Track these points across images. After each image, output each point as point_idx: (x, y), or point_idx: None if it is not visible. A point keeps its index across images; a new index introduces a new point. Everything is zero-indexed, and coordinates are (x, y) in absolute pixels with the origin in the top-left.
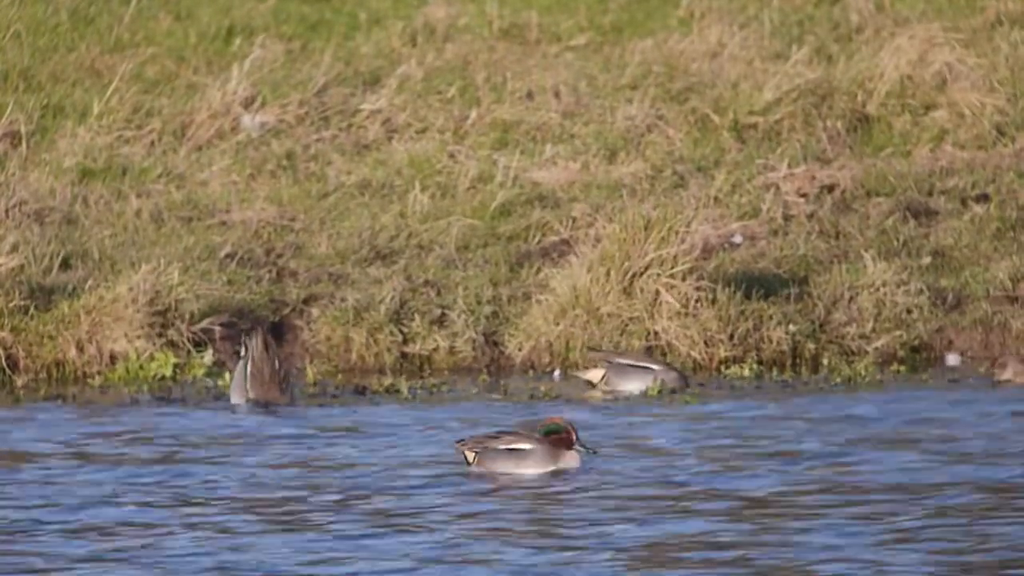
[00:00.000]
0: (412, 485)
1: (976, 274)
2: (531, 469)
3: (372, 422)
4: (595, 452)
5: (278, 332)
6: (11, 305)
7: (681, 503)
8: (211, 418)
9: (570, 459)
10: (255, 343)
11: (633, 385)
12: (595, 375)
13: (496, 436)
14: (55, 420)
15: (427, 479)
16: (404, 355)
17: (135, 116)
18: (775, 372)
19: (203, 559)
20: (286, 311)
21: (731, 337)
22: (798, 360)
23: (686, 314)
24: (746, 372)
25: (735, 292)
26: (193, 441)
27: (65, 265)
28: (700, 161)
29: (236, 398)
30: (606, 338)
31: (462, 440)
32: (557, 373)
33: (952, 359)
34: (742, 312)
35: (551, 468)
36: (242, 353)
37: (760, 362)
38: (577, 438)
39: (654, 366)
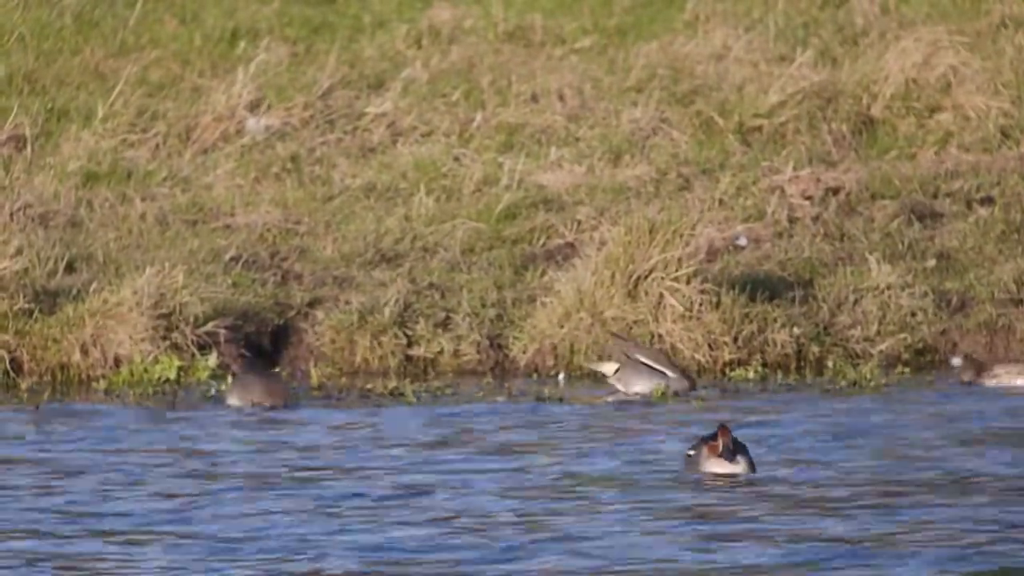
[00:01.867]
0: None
1: (981, 277)
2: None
3: None
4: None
5: (283, 335)
6: (15, 308)
7: None
8: None
9: (715, 465)
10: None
11: (643, 386)
12: (609, 368)
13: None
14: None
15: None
16: (408, 358)
17: (140, 119)
18: (780, 375)
19: None
20: (291, 314)
21: (735, 340)
22: (802, 363)
23: (690, 317)
24: (751, 375)
25: (739, 295)
26: None
27: (69, 268)
28: (705, 164)
29: (235, 400)
30: (610, 342)
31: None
32: (562, 376)
33: (957, 362)
34: (746, 315)
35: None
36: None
37: (765, 365)
38: (725, 447)
39: (670, 372)
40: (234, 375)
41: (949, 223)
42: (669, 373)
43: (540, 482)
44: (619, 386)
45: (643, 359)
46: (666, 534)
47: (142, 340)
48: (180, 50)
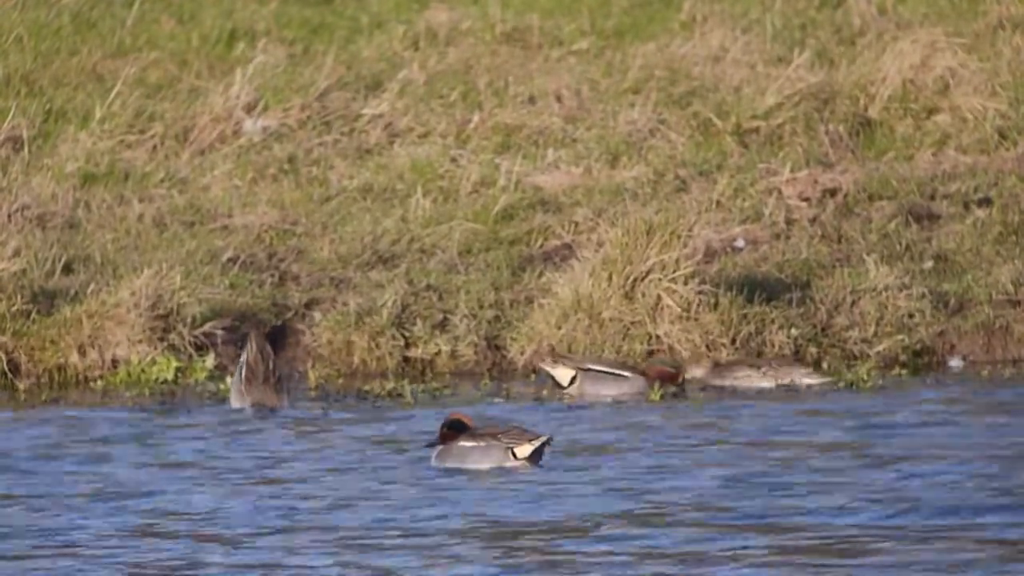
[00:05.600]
0: None
1: (978, 278)
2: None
3: None
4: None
5: (280, 336)
6: (13, 309)
7: None
8: None
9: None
10: (249, 346)
11: (606, 391)
12: (563, 374)
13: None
14: None
15: None
16: (406, 359)
17: (137, 120)
18: None
19: None
20: (288, 315)
21: (733, 341)
22: (800, 364)
23: (688, 318)
24: None
25: (737, 296)
26: None
27: (67, 269)
28: (702, 165)
29: (235, 402)
30: (608, 342)
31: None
32: None
33: (954, 363)
34: (744, 316)
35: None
36: (240, 357)
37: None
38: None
39: (626, 373)
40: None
41: (947, 224)
42: (627, 375)
43: None
44: (577, 394)
45: (597, 367)
46: None
47: (140, 341)
48: (178, 51)
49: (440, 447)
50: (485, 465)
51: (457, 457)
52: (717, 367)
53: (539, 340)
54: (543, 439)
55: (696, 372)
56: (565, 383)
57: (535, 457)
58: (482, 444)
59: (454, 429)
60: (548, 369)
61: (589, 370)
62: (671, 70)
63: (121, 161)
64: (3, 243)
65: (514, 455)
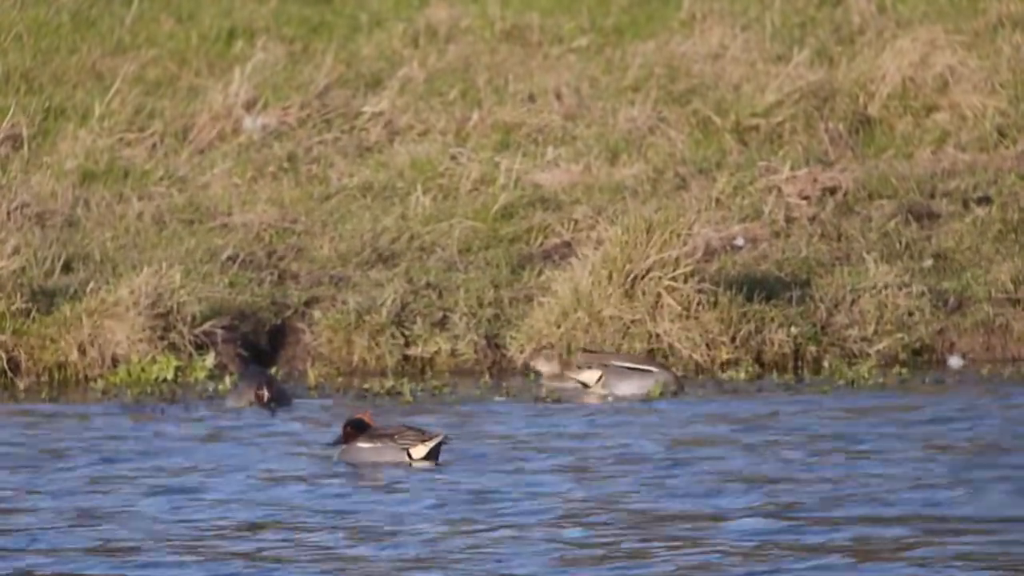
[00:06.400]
0: None
1: (978, 276)
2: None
3: None
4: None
5: (280, 335)
6: (13, 308)
7: None
8: None
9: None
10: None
11: (631, 388)
12: (590, 376)
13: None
14: None
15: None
16: (406, 358)
17: (137, 118)
18: (775, 374)
19: None
20: (288, 314)
21: (733, 339)
22: (799, 362)
23: (687, 316)
24: (742, 375)
25: (737, 294)
26: None
27: (67, 268)
28: (702, 163)
29: (233, 401)
30: (607, 341)
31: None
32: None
33: (954, 361)
34: (744, 314)
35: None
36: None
37: (762, 364)
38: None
39: (652, 368)
40: (231, 375)
41: (946, 223)
42: (653, 369)
43: None
44: (604, 392)
45: (623, 364)
46: None
47: (139, 340)
48: (177, 49)
49: (343, 446)
50: (380, 465)
51: (355, 457)
52: (565, 364)
53: (539, 338)
54: (437, 439)
55: (544, 367)
56: (592, 383)
57: (431, 457)
58: (378, 445)
59: (356, 428)
60: (575, 376)
61: (614, 367)
62: (671, 68)
63: (120, 159)
64: (3, 241)
65: (409, 456)
